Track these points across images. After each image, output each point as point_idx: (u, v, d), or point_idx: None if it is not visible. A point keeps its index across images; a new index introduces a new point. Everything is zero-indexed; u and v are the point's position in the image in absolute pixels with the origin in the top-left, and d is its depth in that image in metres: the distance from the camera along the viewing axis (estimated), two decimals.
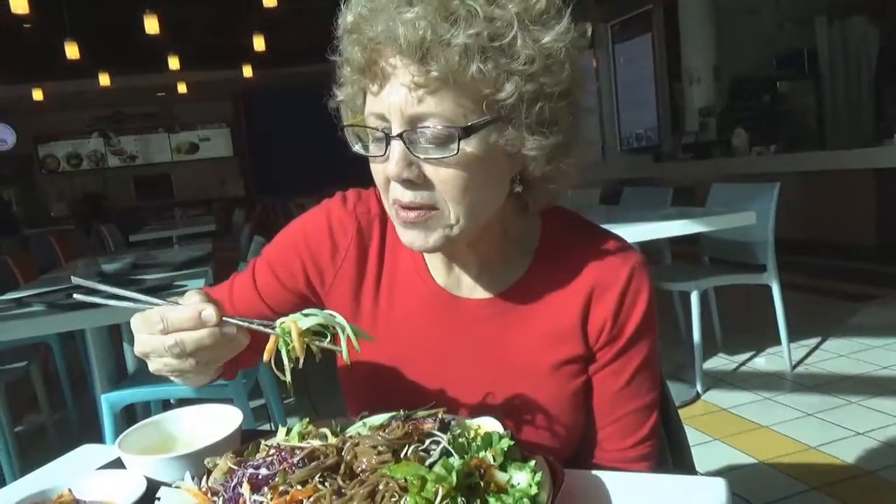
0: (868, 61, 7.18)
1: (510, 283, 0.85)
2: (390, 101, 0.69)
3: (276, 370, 0.69)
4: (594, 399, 0.86)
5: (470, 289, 0.86)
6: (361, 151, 0.76)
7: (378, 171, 0.75)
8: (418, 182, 0.71)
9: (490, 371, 0.84)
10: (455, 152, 0.69)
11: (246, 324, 0.70)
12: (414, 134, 0.69)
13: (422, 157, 0.70)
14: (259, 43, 7.89)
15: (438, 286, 0.86)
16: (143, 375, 2.29)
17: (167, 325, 0.68)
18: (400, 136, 0.70)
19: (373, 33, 0.69)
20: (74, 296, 0.76)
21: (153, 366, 0.72)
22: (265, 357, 0.70)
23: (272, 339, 0.70)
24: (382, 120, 0.71)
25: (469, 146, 0.69)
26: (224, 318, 0.69)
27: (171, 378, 0.75)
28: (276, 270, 0.90)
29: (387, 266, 0.88)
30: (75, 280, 0.76)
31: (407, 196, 0.72)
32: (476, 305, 0.85)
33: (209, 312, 0.67)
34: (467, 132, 0.69)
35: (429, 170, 0.71)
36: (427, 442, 0.64)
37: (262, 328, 0.71)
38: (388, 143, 0.71)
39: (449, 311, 0.86)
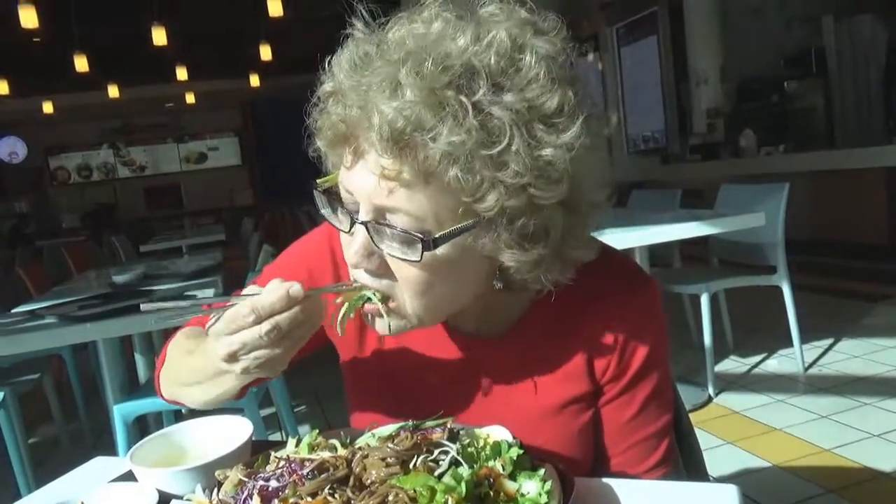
0: (877, 59, 7.13)
1: (511, 321, 0.81)
2: (359, 184, 0.64)
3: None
4: (604, 430, 0.83)
5: (472, 328, 0.82)
6: (331, 220, 0.70)
7: (344, 242, 0.70)
8: (377, 271, 0.67)
9: (493, 410, 0.82)
10: (418, 259, 0.63)
11: (327, 290, 0.70)
12: (379, 225, 0.63)
13: (384, 250, 0.65)
14: (266, 52, 7.94)
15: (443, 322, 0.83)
16: (154, 386, 2.30)
17: (261, 313, 0.64)
18: (365, 223, 0.64)
19: (349, 111, 0.62)
20: (143, 309, 0.74)
21: (241, 365, 0.67)
22: (338, 327, 0.69)
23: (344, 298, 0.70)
24: (352, 196, 0.66)
25: (437, 251, 0.63)
26: (306, 293, 0.66)
27: (240, 379, 0.71)
28: None
29: None
30: (145, 308, 0.72)
31: (366, 280, 0.68)
32: (478, 345, 0.82)
33: (296, 288, 0.64)
34: (435, 243, 0.62)
35: (391, 262, 0.66)
36: (436, 452, 0.64)
37: (341, 289, 0.70)
38: (353, 224, 0.66)
39: (452, 347, 0.83)
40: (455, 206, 0.61)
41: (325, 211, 0.71)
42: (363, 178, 0.63)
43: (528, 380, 0.81)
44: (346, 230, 0.67)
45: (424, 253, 0.62)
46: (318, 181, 0.70)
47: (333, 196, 0.69)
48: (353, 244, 0.66)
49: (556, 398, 0.81)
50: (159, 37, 6.55)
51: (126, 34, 7.85)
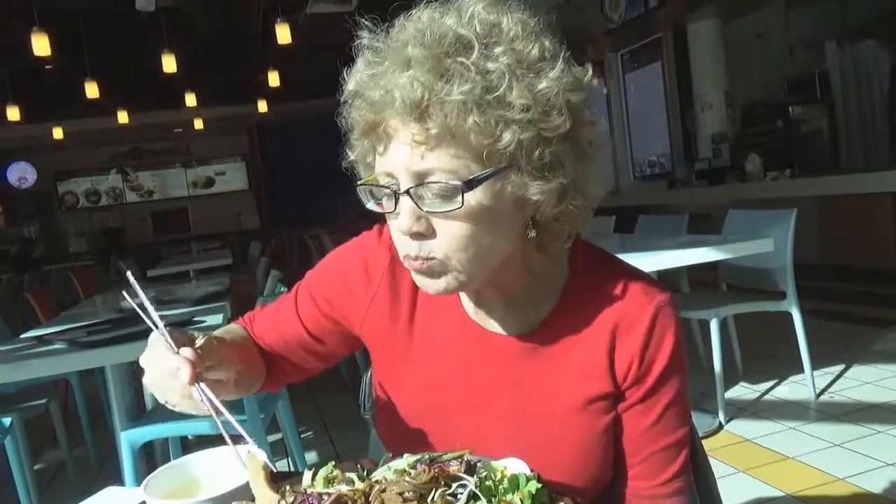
0: (880, 84, 7.17)
1: (538, 321, 0.86)
2: (395, 159, 0.73)
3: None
4: (623, 437, 0.85)
5: (498, 325, 0.87)
6: (376, 208, 0.79)
7: (393, 226, 0.78)
8: (427, 234, 0.74)
9: (519, 407, 0.85)
10: (460, 205, 0.71)
11: (209, 400, 0.77)
12: (421, 189, 0.72)
13: (428, 210, 0.73)
14: (273, 78, 8.04)
15: (470, 319, 0.88)
16: (161, 412, 2.29)
17: (153, 354, 0.79)
18: (407, 192, 0.73)
19: (373, 98, 0.73)
20: (124, 302, 0.82)
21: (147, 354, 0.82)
22: None
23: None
24: (391, 177, 0.75)
25: (474, 198, 0.72)
26: (194, 385, 0.76)
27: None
28: (316, 298, 0.96)
29: (420, 296, 0.91)
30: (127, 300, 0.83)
31: (413, 249, 0.76)
32: (505, 342, 0.86)
33: (184, 373, 0.75)
34: (470, 185, 0.71)
35: (437, 222, 0.74)
36: (454, 486, 0.63)
37: (223, 410, 0.77)
38: (397, 200, 0.74)
39: (479, 344, 0.87)
40: (480, 151, 0.71)
41: (370, 203, 0.79)
42: (398, 153, 0.72)
43: (553, 376, 0.85)
44: (392, 209, 0.75)
45: (465, 197, 0.71)
46: (359, 181, 0.80)
47: (376, 189, 0.78)
48: (401, 212, 0.74)
49: (581, 395, 0.84)
50: (169, 64, 6.64)
51: (136, 61, 7.96)
